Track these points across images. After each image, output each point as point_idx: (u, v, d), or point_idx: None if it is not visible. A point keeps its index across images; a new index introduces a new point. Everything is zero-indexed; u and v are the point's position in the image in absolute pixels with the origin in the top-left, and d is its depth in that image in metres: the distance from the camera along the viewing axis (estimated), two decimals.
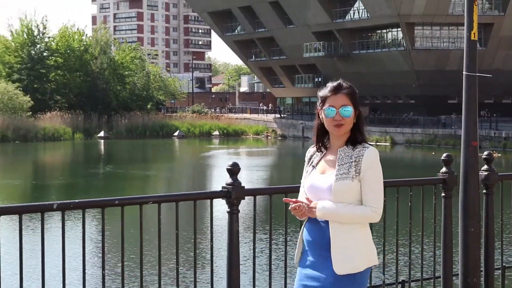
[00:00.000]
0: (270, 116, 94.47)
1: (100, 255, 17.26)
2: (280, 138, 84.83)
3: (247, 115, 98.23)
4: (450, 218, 6.92)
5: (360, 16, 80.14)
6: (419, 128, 71.73)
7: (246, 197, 6.13)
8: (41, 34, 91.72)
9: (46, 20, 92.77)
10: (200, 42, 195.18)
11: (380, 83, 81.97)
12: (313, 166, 4.82)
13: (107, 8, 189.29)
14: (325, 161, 4.80)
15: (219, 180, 41.71)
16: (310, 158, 4.89)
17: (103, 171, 48.72)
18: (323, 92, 4.80)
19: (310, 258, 4.71)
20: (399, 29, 77.07)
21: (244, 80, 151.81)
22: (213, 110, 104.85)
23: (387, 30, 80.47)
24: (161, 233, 5.80)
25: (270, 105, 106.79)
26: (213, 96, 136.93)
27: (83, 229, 5.57)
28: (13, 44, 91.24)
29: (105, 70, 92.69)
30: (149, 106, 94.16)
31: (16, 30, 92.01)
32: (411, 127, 72.95)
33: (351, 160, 4.66)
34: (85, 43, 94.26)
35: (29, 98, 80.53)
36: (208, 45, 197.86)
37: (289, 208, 4.67)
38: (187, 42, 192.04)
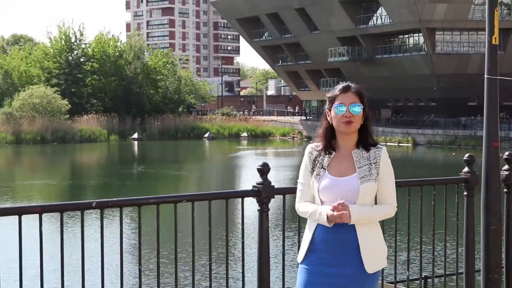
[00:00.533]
0: (296, 118, 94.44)
1: (136, 251, 17.35)
2: (306, 139, 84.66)
3: (274, 117, 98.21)
4: (472, 216, 6.88)
5: (382, 22, 79.93)
6: (440, 130, 71.40)
7: (275, 196, 6.12)
8: (78, 41, 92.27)
9: (83, 28, 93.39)
10: (229, 48, 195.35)
11: (402, 86, 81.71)
12: (324, 169, 4.66)
13: (140, 15, 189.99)
14: (338, 163, 4.66)
15: (248, 179, 41.73)
16: (315, 160, 4.71)
17: (137, 171, 48.91)
18: (332, 92, 4.72)
19: (328, 258, 4.60)
20: (421, 34, 76.76)
21: (271, 83, 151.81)
22: (241, 112, 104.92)
23: (409, 35, 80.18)
24: (194, 230, 5.81)
25: (296, 107, 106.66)
26: (242, 99, 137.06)
27: (120, 226, 5.59)
28: (51, 51, 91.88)
29: (138, 74, 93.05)
30: (180, 109, 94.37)
31: (54, 37, 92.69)
32: (432, 129, 72.63)
33: (369, 162, 4.60)
34: (119, 49, 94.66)
35: (67, 102, 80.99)
36: (237, 51, 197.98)
37: (335, 214, 4.44)
38: (217, 48, 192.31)
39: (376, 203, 4.65)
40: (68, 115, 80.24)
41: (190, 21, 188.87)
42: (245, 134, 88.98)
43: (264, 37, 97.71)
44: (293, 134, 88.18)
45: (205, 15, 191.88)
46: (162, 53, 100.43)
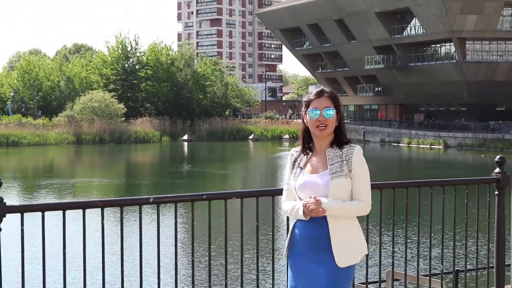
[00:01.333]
0: None
1: (187, 245, 17.37)
2: None
3: None
4: (503, 214, 6.80)
5: (416, 32, 79.46)
6: (470, 133, 70.79)
7: None
8: (133, 50, 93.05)
9: (138, 37, 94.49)
10: (272, 56, 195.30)
11: (434, 92, 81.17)
12: (301, 168, 4.56)
13: (191, 26, 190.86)
14: (313, 162, 4.56)
15: None
16: (295, 161, 4.63)
17: (187, 169, 49.07)
18: (307, 97, 4.61)
19: (305, 252, 4.48)
20: (452, 43, 76.13)
21: (311, 89, 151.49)
22: (283, 116, 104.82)
23: (441, 44, 79.53)
24: (243, 226, 5.81)
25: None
26: (284, 103, 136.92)
27: (175, 220, 5.61)
28: (109, 59, 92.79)
29: (188, 81, 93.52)
30: (227, 112, 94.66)
31: (112, 46, 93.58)
32: (462, 132, 72.06)
33: (341, 159, 4.47)
34: (171, 57, 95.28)
35: (123, 106, 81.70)
36: (280, 59, 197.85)
37: (308, 210, 4.33)
38: (261, 56, 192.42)
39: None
40: (124, 118, 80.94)
41: (236, 31, 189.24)
42: (286, 136, 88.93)
43: (305, 46, 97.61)
44: None
45: (251, 26, 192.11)
46: (210, 61, 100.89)
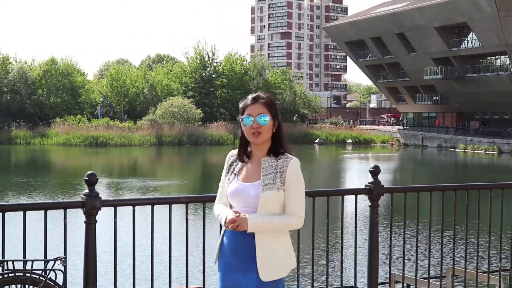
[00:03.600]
0: (395, 128, 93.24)
1: None
2: (403, 146, 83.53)
3: (376, 127, 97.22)
4: None
5: (473, 45, 78.12)
6: None
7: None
8: (210, 60, 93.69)
9: (215, 49, 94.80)
10: (337, 66, 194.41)
11: (489, 101, 79.75)
12: (235, 174, 4.14)
13: (263, 39, 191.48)
14: (248, 169, 4.12)
15: (351, 179, 41.43)
16: (230, 165, 4.21)
17: None
18: (244, 103, 4.16)
19: (232, 262, 4.06)
20: (507, 56, 74.66)
21: (373, 97, 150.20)
22: (347, 122, 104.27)
23: (496, 57, 78.06)
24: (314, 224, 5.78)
25: (394, 118, 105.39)
26: (348, 110, 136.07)
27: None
28: (188, 68, 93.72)
29: (260, 89, 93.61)
30: (294, 118, 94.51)
31: (191, 56, 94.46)
32: None
33: (275, 171, 4.02)
34: (245, 67, 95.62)
35: (200, 111, 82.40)
36: (344, 69, 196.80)
37: (226, 224, 3.94)
38: (327, 66, 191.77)
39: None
40: (201, 122, 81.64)
41: (304, 44, 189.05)
42: (350, 140, 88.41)
43: (368, 57, 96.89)
44: (392, 141, 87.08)
45: (318, 39, 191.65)
46: (280, 71, 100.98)
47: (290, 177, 4.03)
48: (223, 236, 4.15)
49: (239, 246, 4.03)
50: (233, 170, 4.18)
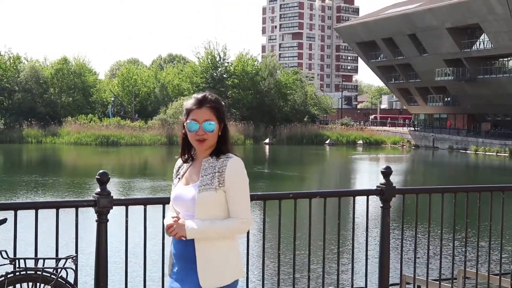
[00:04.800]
0: (406, 129, 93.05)
1: (271, 240, 17.21)
2: (413, 147, 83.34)
3: (386, 128, 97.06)
4: None
5: (485, 46, 77.83)
6: None
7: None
8: (221, 60, 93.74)
9: (226, 49, 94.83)
10: (348, 67, 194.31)
11: (501, 103, 79.42)
12: (179, 178, 3.92)
13: (274, 39, 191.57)
14: (190, 172, 3.89)
15: (362, 180, 41.35)
16: (177, 170, 3.99)
17: (269, 171, 49.14)
18: (188, 104, 3.89)
19: (177, 271, 3.82)
20: None
21: (385, 98, 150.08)
22: (358, 123, 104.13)
23: (508, 58, 77.76)
24: (325, 224, 5.77)
25: (406, 120, 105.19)
26: (358, 111, 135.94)
27: (264, 217, 5.64)
28: (199, 68, 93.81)
29: (271, 89, 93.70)
30: (305, 118, 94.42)
31: (202, 57, 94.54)
32: None
33: (214, 171, 3.76)
34: (256, 67, 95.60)
35: None
36: (355, 70, 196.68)
37: (168, 234, 3.77)
38: (338, 67, 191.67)
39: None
40: None
41: (316, 44, 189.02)
42: (360, 141, 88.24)
43: (379, 58, 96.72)
44: (403, 142, 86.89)
45: (329, 39, 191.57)
46: (291, 71, 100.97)
47: (230, 176, 3.76)
48: (171, 244, 3.91)
49: (182, 253, 3.80)
50: (178, 175, 3.97)
